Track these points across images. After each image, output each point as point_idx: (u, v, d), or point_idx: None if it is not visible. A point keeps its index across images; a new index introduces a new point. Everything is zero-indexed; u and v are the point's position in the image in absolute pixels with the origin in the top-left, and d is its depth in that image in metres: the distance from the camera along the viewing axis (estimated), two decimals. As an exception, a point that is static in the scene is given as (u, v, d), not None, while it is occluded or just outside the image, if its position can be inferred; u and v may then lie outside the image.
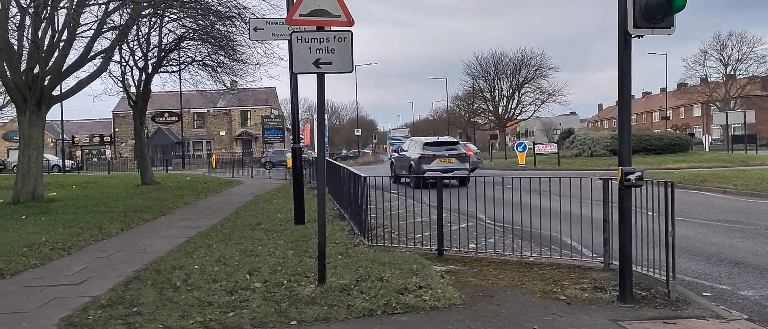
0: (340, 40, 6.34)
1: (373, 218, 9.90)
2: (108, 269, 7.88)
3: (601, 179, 7.08)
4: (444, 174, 17.30)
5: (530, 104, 69.01)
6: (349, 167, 11.87)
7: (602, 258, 7.28)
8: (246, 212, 13.85)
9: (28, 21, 15.78)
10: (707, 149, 42.80)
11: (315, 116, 6.82)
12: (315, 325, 5.23)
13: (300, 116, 16.08)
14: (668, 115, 71.84)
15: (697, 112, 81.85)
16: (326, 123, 59.38)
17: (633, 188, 5.78)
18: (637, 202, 6.12)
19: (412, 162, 21.22)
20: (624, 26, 5.61)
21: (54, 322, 5.54)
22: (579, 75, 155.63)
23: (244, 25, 18.49)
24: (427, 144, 21.62)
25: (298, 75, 10.70)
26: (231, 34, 20.76)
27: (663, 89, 76.43)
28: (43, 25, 15.92)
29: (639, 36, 5.64)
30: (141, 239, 10.48)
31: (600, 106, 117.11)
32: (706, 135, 54.79)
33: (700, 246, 8.91)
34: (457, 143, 22.95)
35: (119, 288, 6.69)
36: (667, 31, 5.63)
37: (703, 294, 6.38)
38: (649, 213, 6.28)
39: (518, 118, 71.46)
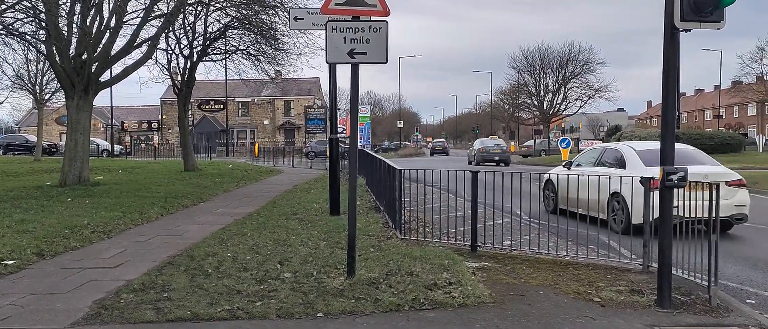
0: (375, 30, 6.25)
1: (408, 211, 9.81)
2: (144, 253, 8.01)
3: (641, 178, 6.84)
4: (437, 152, 60.71)
5: (576, 100, 67.43)
6: (385, 159, 11.81)
7: (641, 260, 7.04)
8: (282, 202, 13.94)
9: (77, 8, 16.16)
10: (761, 150, 41.21)
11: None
12: (341, 318, 5.19)
13: (340, 107, 16.06)
14: (721, 113, 69.32)
15: (752, 111, 78.89)
16: (369, 114, 59.19)
17: (675, 189, 5.55)
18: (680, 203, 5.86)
19: (429, 148, 62.34)
20: (671, 19, 5.38)
21: (87, 304, 5.64)
22: (630, 71, 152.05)
23: (286, 15, 18.56)
24: (435, 140, 69.93)
25: (336, 65, 10.64)
26: (274, 24, 20.91)
27: (717, 87, 73.82)
28: (92, 12, 16.31)
29: (686, 30, 5.40)
30: (179, 224, 10.64)
31: (649, 103, 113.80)
32: (761, 135, 52.79)
33: (746, 251, 8.55)
34: (444, 141, 70.93)
35: (153, 272, 6.79)
36: (716, 25, 5.37)
37: (747, 301, 6.11)
38: (691, 215, 6.03)
39: (563, 113, 69.97)
